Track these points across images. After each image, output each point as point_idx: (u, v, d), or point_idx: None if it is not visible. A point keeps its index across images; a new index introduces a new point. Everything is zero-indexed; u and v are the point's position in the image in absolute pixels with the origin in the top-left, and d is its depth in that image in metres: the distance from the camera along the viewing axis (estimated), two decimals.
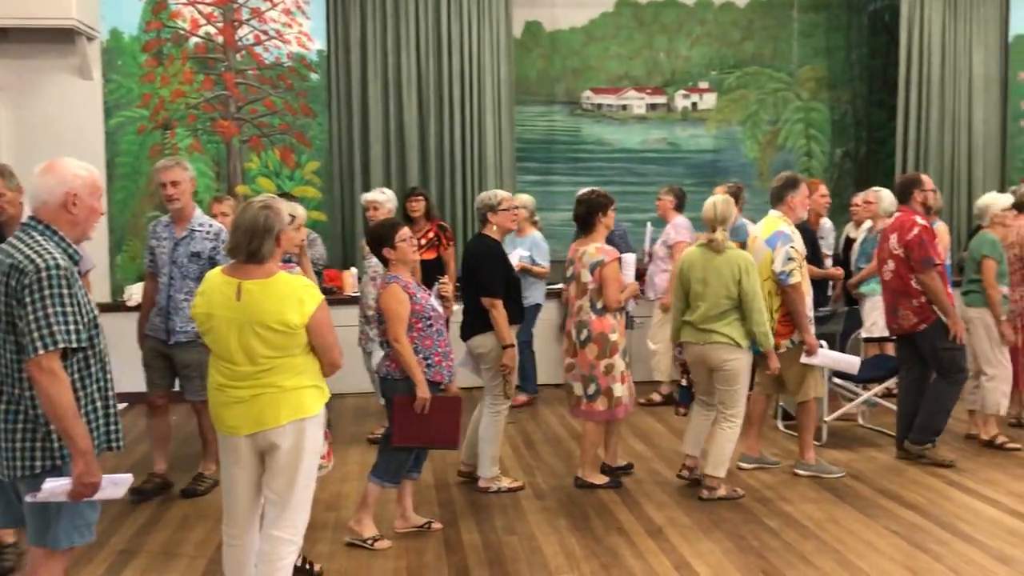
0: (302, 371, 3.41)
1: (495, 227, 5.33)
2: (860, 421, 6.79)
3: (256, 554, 3.52)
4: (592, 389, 5.25)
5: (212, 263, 5.10)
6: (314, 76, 8.66)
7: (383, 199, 6.48)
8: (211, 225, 5.34)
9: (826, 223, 7.57)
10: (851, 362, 5.85)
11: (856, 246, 7.31)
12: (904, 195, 5.86)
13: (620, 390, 5.25)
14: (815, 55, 9.68)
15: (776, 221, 5.48)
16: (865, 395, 6.53)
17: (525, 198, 7.67)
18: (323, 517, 4.84)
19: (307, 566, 4.14)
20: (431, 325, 4.53)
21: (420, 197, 7.23)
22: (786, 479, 5.54)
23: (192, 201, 5.35)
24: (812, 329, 5.47)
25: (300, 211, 4.27)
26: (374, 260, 6.22)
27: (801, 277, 5.35)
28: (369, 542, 4.51)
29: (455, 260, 7.29)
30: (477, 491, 5.35)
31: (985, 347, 6.07)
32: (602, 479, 5.43)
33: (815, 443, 5.81)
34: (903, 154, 9.10)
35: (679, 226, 7.24)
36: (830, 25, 9.65)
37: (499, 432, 5.34)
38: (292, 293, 3.35)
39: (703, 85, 9.58)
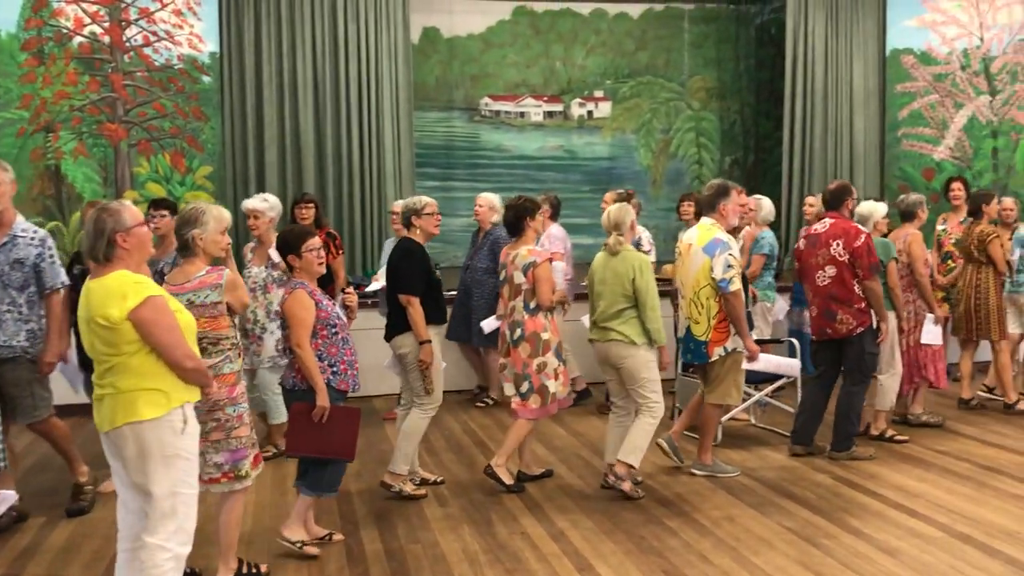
0: (141, 373, 3.34)
1: (419, 231, 5.39)
2: (752, 421, 7.00)
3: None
4: (525, 387, 5.38)
5: (37, 270, 4.89)
6: (206, 79, 8.44)
7: (265, 207, 6.16)
8: (35, 231, 4.97)
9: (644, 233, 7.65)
10: (791, 365, 6.03)
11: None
12: (836, 203, 6.05)
13: (554, 386, 5.40)
14: (705, 66, 9.97)
15: (711, 229, 5.59)
16: (757, 395, 6.74)
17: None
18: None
19: (252, 571, 4.20)
20: (336, 333, 4.51)
21: (310, 204, 7.02)
22: (687, 480, 5.66)
23: (12, 206, 4.94)
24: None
25: (226, 215, 4.18)
26: (255, 269, 6.12)
27: (740, 284, 5.52)
28: (299, 545, 4.50)
29: (344, 269, 7.17)
30: (383, 499, 5.31)
31: (887, 348, 6.32)
32: (509, 479, 5.47)
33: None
34: (789, 163, 9.44)
35: (553, 236, 7.26)
36: (719, 37, 9.96)
37: (421, 432, 5.37)
38: (118, 289, 3.29)
39: (598, 94, 9.75)
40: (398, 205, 7.14)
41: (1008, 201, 7.82)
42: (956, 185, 7.93)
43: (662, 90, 9.91)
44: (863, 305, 5.87)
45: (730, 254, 5.47)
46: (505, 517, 5.03)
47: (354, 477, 5.68)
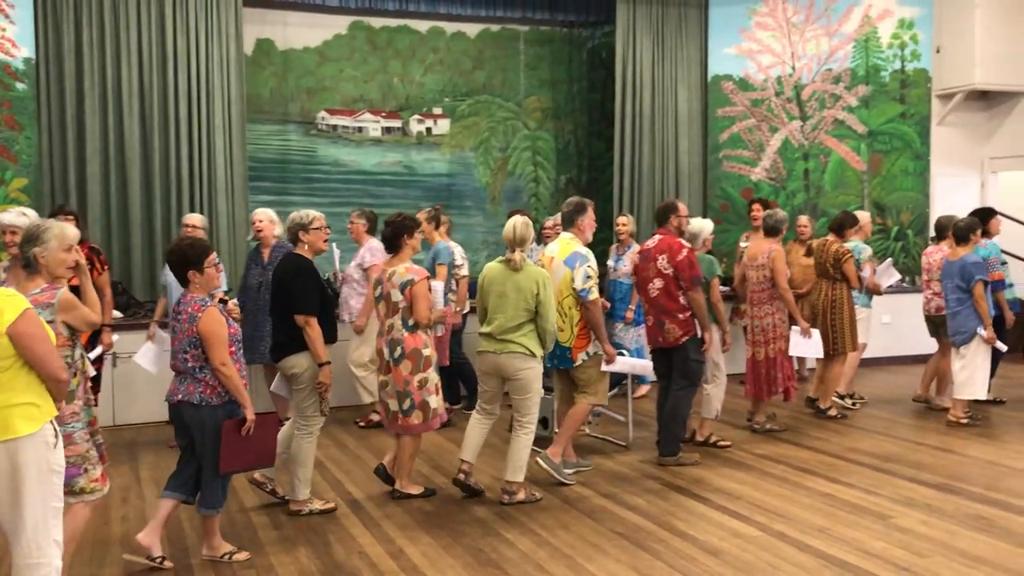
0: (14, 388, 3.26)
1: (307, 246, 5.31)
2: (587, 431, 7.20)
3: None
4: (407, 404, 5.40)
5: None
6: (20, 86, 7.94)
7: (23, 222, 5.45)
8: None
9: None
10: (645, 366, 6.31)
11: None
12: (663, 219, 6.41)
13: (435, 402, 5.46)
14: (541, 87, 10.23)
15: (571, 243, 5.89)
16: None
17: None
18: None
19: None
20: (239, 349, 4.57)
21: (70, 217, 6.49)
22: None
23: None
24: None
25: (70, 232, 4.01)
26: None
27: (598, 293, 5.82)
28: (227, 557, 4.59)
29: (110, 286, 6.75)
30: (288, 513, 5.32)
31: (713, 358, 6.68)
32: (418, 489, 5.61)
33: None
34: (620, 182, 9.81)
35: (374, 249, 7.26)
36: (554, 59, 10.25)
37: (311, 453, 5.34)
38: None
39: (437, 111, 9.83)
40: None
41: (803, 219, 8.54)
42: (756, 206, 8.61)
43: (499, 109, 10.09)
44: (687, 315, 6.22)
45: (589, 266, 5.78)
46: (343, 537, 4.97)
47: None
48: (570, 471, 5.96)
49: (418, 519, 5.25)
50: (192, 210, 8.33)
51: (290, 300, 5.16)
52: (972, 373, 7.29)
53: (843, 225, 7.80)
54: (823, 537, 4.88)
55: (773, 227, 7.19)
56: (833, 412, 7.71)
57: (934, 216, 10.58)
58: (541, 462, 5.84)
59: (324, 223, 5.39)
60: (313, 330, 5.11)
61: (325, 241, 5.41)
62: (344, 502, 5.57)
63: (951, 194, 10.77)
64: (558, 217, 7.63)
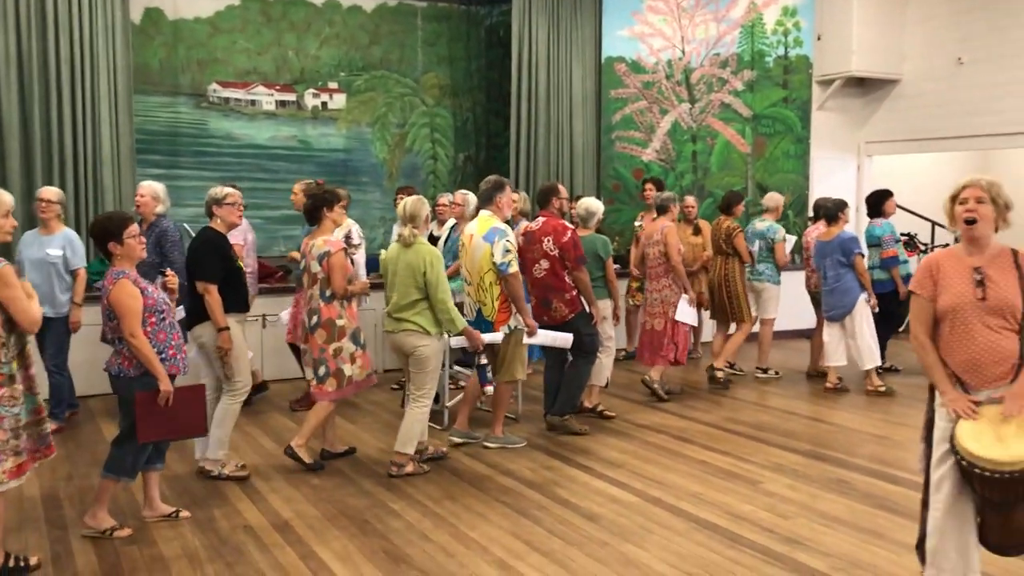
0: None
1: (219, 220, 5.48)
2: (478, 404, 7.34)
3: None
4: (322, 371, 5.56)
5: None
6: None
7: None
8: None
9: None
10: (566, 338, 6.43)
11: (441, 244, 7.86)
12: (544, 201, 6.62)
13: (350, 370, 5.58)
14: (438, 63, 10.24)
15: (489, 219, 6.06)
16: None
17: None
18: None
19: (20, 563, 4.14)
20: (164, 319, 4.58)
21: None
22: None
23: None
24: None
25: (6, 198, 4.11)
26: None
27: (518, 267, 6.01)
28: (108, 533, 4.57)
29: None
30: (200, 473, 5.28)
31: (606, 330, 6.96)
32: (309, 459, 5.68)
33: (437, 427, 6.29)
34: (516, 160, 9.93)
35: (242, 227, 7.14)
36: (451, 36, 10.27)
37: (234, 416, 5.51)
38: None
39: (333, 85, 9.75)
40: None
41: (689, 199, 8.88)
42: (648, 186, 8.86)
43: (397, 85, 10.07)
44: (574, 294, 6.43)
45: (507, 240, 5.96)
46: (228, 512, 5.00)
47: (64, 481, 5.41)
48: (494, 444, 6.16)
49: (304, 493, 5.31)
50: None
51: (194, 268, 5.39)
52: (868, 344, 7.76)
53: (731, 203, 8.26)
54: (695, 501, 5.14)
55: (662, 206, 7.57)
56: (719, 375, 8.19)
57: (813, 198, 11.08)
58: (489, 444, 6.15)
59: (239, 199, 5.58)
60: (212, 296, 5.28)
61: (239, 216, 5.59)
62: (229, 476, 5.59)
63: (829, 176, 11.29)
64: (453, 195, 7.74)
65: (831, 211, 7.89)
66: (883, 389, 7.82)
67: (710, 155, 10.74)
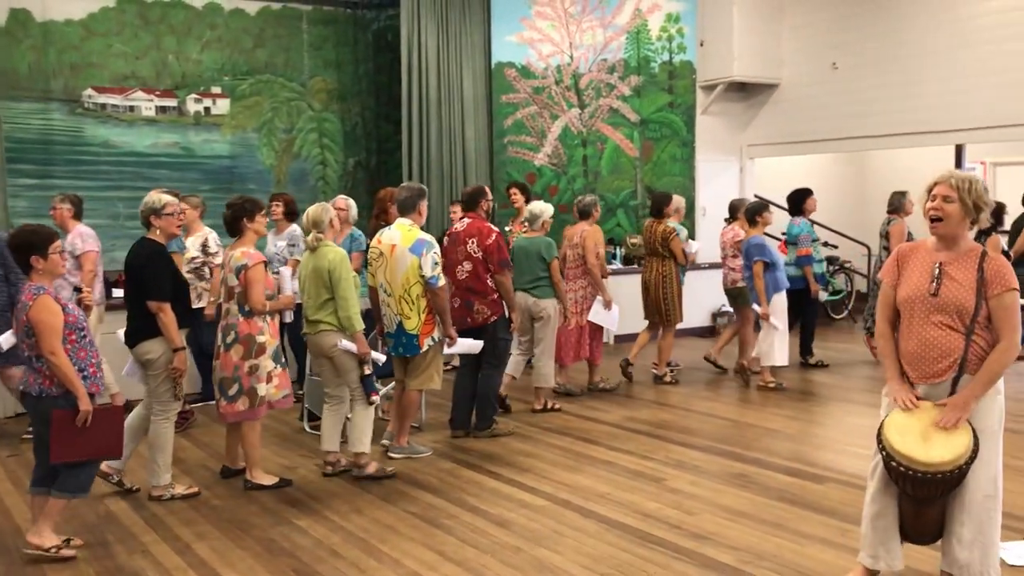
0: None
1: (159, 231, 5.29)
2: (379, 414, 7.22)
3: None
4: (234, 390, 5.32)
5: None
6: None
7: None
8: None
9: (296, 230, 7.62)
10: (476, 344, 6.45)
11: None
12: (472, 204, 6.62)
13: (264, 389, 5.36)
14: (325, 67, 10.06)
15: (412, 229, 5.95)
16: (384, 389, 6.97)
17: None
18: None
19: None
20: (84, 336, 4.46)
21: None
22: (313, 479, 5.72)
23: None
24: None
25: None
26: None
27: (445, 279, 5.99)
28: (53, 551, 4.43)
29: None
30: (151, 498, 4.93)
31: (547, 331, 7.19)
32: (272, 479, 5.52)
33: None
34: (408, 165, 9.84)
35: (85, 235, 6.98)
36: (338, 39, 10.11)
37: (170, 437, 5.31)
38: None
39: (216, 90, 9.45)
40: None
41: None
42: (513, 191, 8.86)
43: (283, 89, 9.83)
44: (496, 297, 6.48)
45: (435, 252, 5.92)
46: (123, 536, 4.76)
47: None
48: (399, 455, 6.09)
49: (204, 513, 5.10)
50: None
51: (142, 286, 5.16)
52: (772, 343, 8.01)
53: (660, 206, 8.42)
54: (604, 502, 5.19)
55: (583, 210, 7.85)
56: (668, 379, 8.44)
57: (699, 199, 11.42)
58: (394, 455, 6.06)
59: (177, 208, 5.39)
60: (167, 316, 5.13)
61: (178, 226, 5.44)
62: (121, 498, 5.35)
63: (714, 179, 11.64)
64: (339, 200, 7.50)
65: (749, 213, 8.18)
66: (773, 385, 8.08)
67: (600, 159, 10.90)
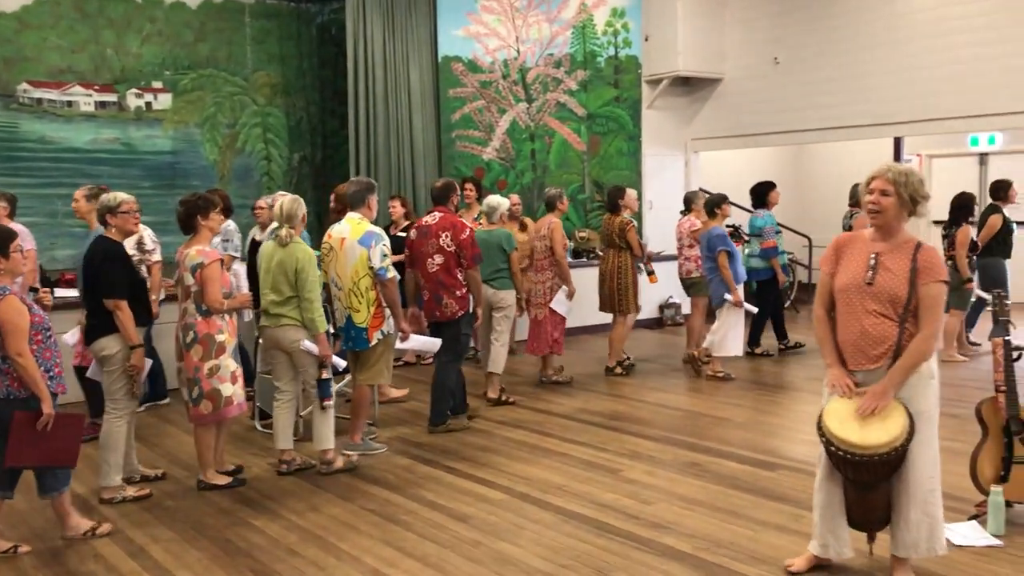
0: None
1: (114, 229, 5.24)
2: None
3: None
4: (196, 392, 5.24)
5: None
6: None
7: None
8: None
9: (230, 225, 7.52)
10: (434, 343, 6.47)
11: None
12: (443, 198, 6.64)
13: (229, 390, 5.27)
14: (269, 61, 9.92)
15: (362, 223, 5.90)
16: (337, 386, 6.92)
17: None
18: None
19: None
20: (49, 336, 4.41)
21: None
22: (270, 477, 5.66)
23: None
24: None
25: None
26: None
27: (395, 271, 5.94)
28: (89, 533, 4.58)
29: None
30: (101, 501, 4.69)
31: (504, 321, 7.29)
32: (224, 479, 5.45)
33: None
34: (356, 159, 9.76)
35: (22, 234, 6.80)
36: (282, 33, 9.97)
37: (122, 437, 5.24)
38: None
39: (157, 85, 9.26)
40: None
41: (514, 197, 9.13)
42: (468, 186, 8.89)
43: (226, 84, 9.67)
44: (464, 291, 6.50)
45: (384, 244, 5.84)
46: (74, 541, 4.64)
47: None
48: (353, 452, 6.00)
49: (157, 515, 5.01)
50: None
51: (99, 284, 5.11)
52: (725, 334, 8.12)
53: (615, 200, 8.50)
54: (561, 494, 5.21)
55: (549, 202, 8.07)
56: (618, 370, 8.50)
57: (646, 193, 11.53)
58: (348, 452, 5.91)
59: (134, 206, 5.32)
60: (124, 313, 5.07)
61: (135, 224, 5.37)
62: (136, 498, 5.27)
63: (660, 172, 11.75)
64: (276, 196, 7.38)
65: (709, 205, 8.29)
66: (722, 375, 8.20)
67: (548, 153, 10.93)
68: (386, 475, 5.65)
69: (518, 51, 10.69)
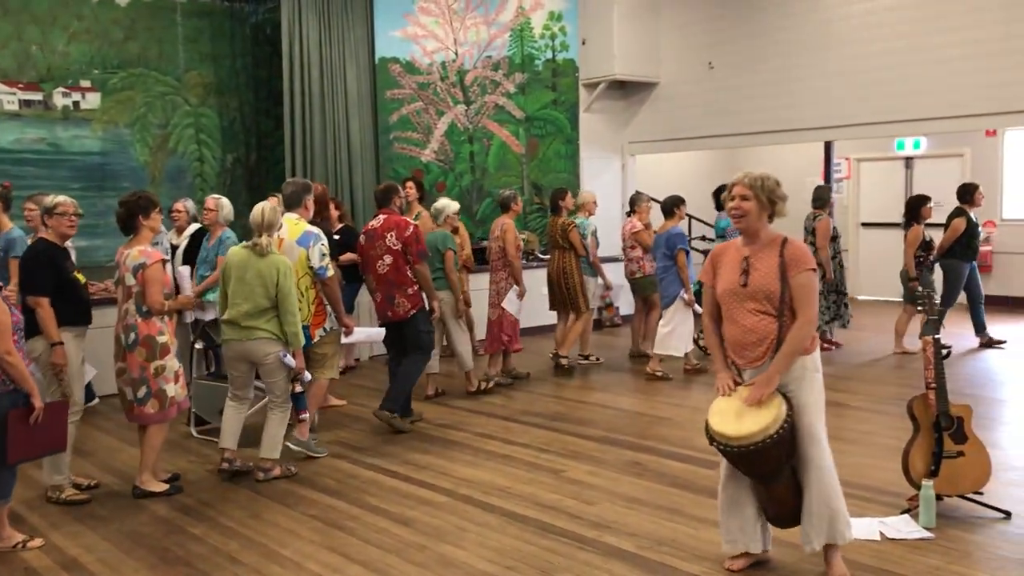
0: None
1: (51, 230, 5.22)
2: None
3: None
4: (143, 392, 5.19)
5: None
6: None
7: None
8: None
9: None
10: (378, 332, 6.62)
11: (181, 252, 7.49)
12: (385, 201, 6.78)
13: (173, 390, 5.24)
14: (201, 61, 9.73)
15: (299, 223, 6.00)
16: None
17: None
18: None
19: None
20: (22, 336, 4.49)
21: None
22: (206, 486, 5.54)
23: None
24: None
25: None
26: None
27: (335, 269, 6.07)
28: (19, 546, 4.51)
29: None
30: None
31: (450, 321, 7.44)
32: (162, 487, 5.36)
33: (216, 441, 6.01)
34: (292, 161, 9.63)
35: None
36: (214, 32, 9.79)
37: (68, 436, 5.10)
38: None
39: (85, 83, 9.01)
40: None
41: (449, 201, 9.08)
42: (409, 185, 8.92)
43: (157, 83, 9.46)
44: (416, 289, 6.60)
45: (323, 244, 5.95)
46: (2, 553, 4.49)
47: None
48: (297, 447, 6.04)
49: (91, 525, 4.87)
50: None
51: (24, 282, 5.15)
52: (671, 332, 8.24)
53: (556, 201, 8.62)
54: (504, 496, 5.22)
55: (503, 203, 8.17)
56: (565, 364, 8.68)
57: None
58: (291, 445, 5.94)
59: (70, 209, 5.23)
60: (44, 311, 5.03)
61: (70, 226, 5.25)
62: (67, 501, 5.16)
63: (598, 175, 11.85)
64: (209, 200, 7.22)
65: (667, 205, 8.42)
66: (660, 374, 8.31)
67: (487, 156, 10.94)
68: (327, 480, 5.59)
69: (456, 53, 10.68)
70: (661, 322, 8.35)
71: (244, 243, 5.63)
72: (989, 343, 9.38)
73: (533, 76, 11.22)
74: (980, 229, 9.26)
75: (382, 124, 10.27)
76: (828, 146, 11.08)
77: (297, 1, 9.56)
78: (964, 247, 9.07)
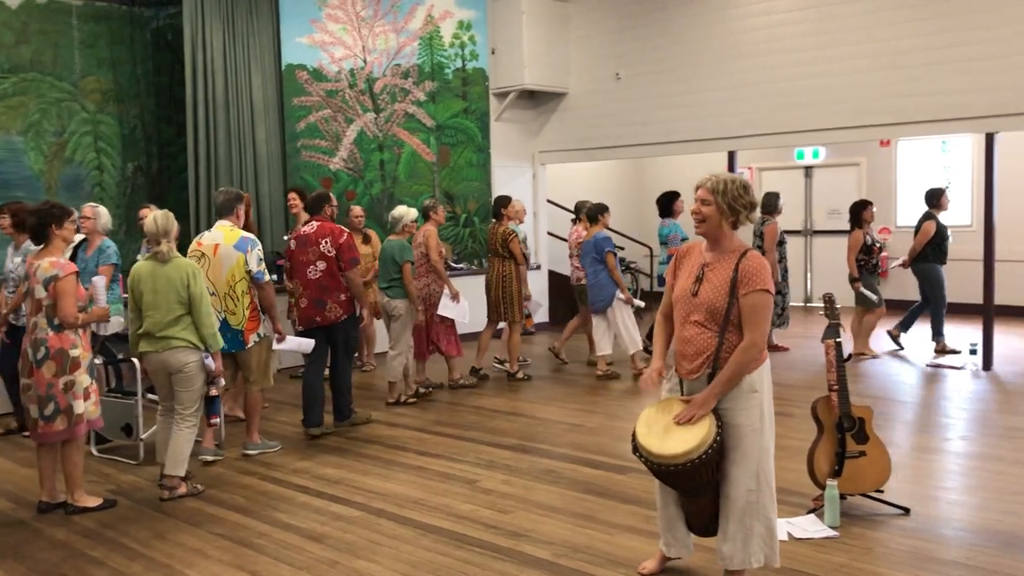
0: None
1: None
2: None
3: None
4: (50, 409, 5.00)
5: None
6: None
7: None
8: None
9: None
10: (308, 343, 6.67)
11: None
12: (317, 208, 6.92)
13: (82, 407, 5.06)
14: (99, 66, 9.41)
15: (234, 229, 6.15)
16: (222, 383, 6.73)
17: None
18: None
19: None
20: None
21: None
22: (113, 509, 5.33)
23: None
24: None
25: None
26: None
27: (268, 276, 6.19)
28: None
29: None
30: None
31: (399, 328, 7.60)
32: (95, 501, 5.26)
33: (132, 462, 5.82)
34: (195, 169, 9.38)
35: None
36: (113, 37, 9.48)
37: None
38: None
39: None
40: None
41: (357, 209, 9.18)
42: (292, 195, 8.80)
43: (51, 89, 9.10)
44: (347, 295, 6.69)
45: (259, 249, 6.12)
46: None
47: None
48: (255, 451, 6.26)
49: None
50: None
51: None
52: (628, 330, 8.51)
53: (498, 209, 8.71)
54: (418, 508, 5.16)
55: (424, 212, 8.17)
56: (520, 375, 8.76)
57: None
58: (250, 451, 6.24)
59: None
60: None
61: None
62: None
63: (510, 184, 11.88)
64: (86, 208, 6.97)
65: (592, 212, 8.58)
66: (610, 373, 8.71)
67: (398, 164, 10.86)
68: (235, 497, 5.44)
69: (365, 61, 10.58)
70: (616, 325, 8.56)
71: (144, 255, 5.50)
72: (944, 349, 9.50)
73: (443, 85, 11.19)
74: (949, 232, 9.51)
75: (289, 132, 10.10)
76: (731, 155, 11.36)
77: (200, 6, 9.33)
78: (936, 249, 9.34)
